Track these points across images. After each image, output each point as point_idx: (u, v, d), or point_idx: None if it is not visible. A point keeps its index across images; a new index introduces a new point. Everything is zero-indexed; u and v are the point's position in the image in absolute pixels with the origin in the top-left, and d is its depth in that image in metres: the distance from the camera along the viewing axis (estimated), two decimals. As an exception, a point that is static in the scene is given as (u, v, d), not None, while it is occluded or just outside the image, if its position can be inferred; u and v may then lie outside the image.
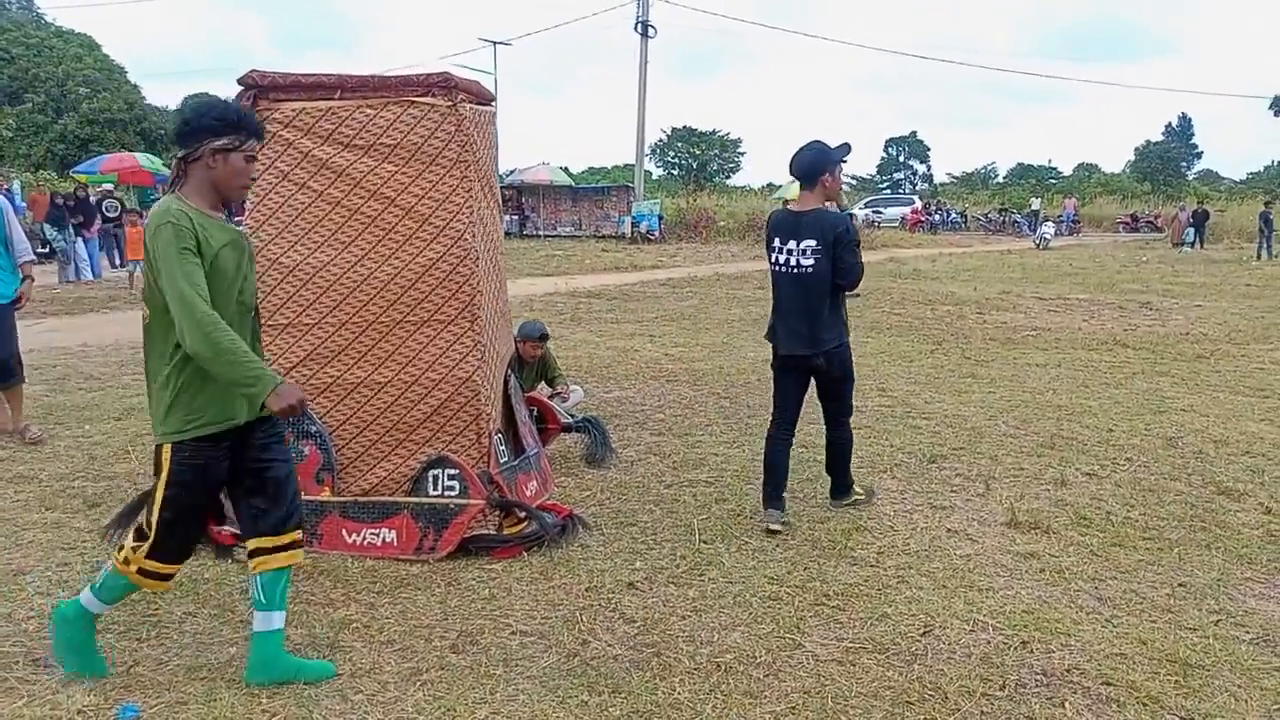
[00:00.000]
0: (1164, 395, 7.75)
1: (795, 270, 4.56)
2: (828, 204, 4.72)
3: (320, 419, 4.34)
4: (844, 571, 4.09)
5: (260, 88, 4.31)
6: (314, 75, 4.34)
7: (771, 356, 4.82)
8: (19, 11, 53.86)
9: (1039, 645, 3.43)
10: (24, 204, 18.29)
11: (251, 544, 3.08)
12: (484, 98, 4.82)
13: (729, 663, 3.31)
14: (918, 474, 5.49)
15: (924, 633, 3.53)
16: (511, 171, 34.60)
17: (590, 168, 70.59)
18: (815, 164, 4.57)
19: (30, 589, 3.82)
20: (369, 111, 4.30)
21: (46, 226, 16.19)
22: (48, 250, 16.68)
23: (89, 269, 16.49)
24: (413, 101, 4.29)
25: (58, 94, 44.95)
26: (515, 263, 21.39)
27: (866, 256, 5.09)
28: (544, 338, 6.11)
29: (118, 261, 17.88)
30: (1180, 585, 3.98)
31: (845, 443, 4.89)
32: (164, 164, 29.30)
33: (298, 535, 3.13)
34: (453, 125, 4.30)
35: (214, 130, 2.94)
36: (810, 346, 4.58)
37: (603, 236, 29.57)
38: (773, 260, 4.67)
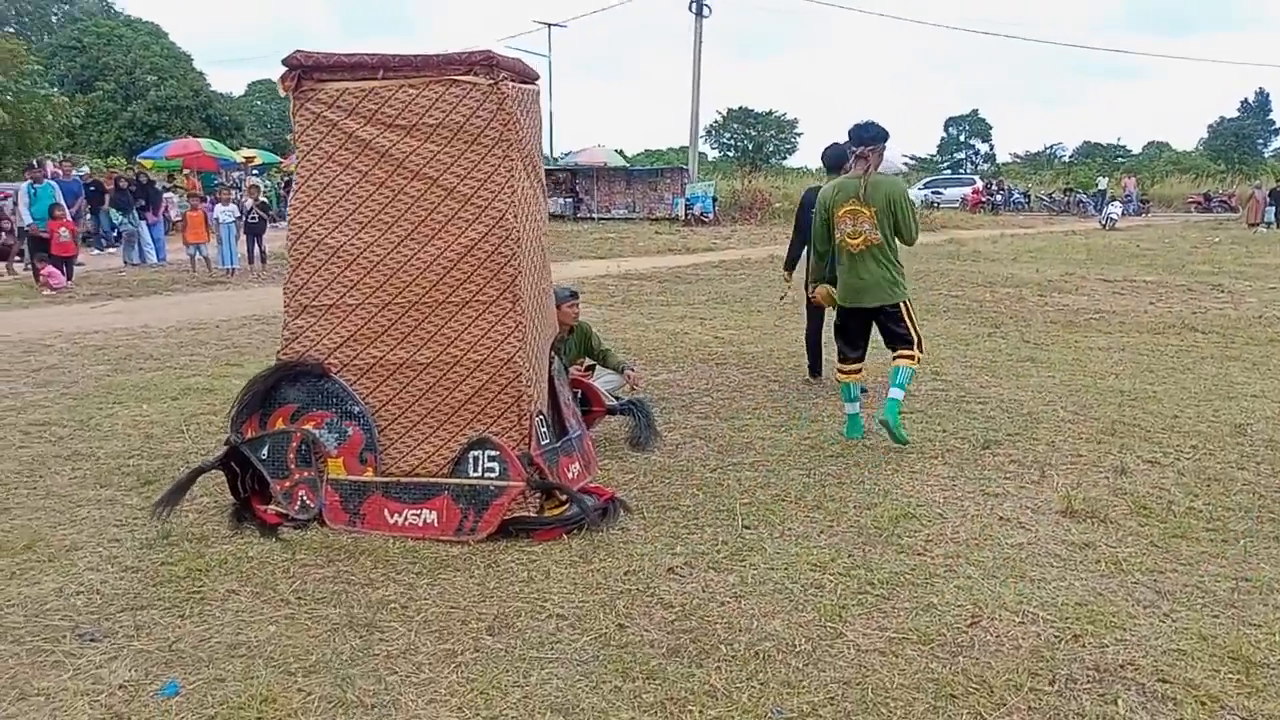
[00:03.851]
0: (1234, 381, 7.45)
1: None
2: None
3: (363, 400, 4.36)
4: (890, 559, 4.00)
5: (304, 68, 4.32)
6: (356, 55, 4.33)
7: None
8: (91, 2, 55.32)
9: (1092, 639, 3.31)
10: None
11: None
12: (527, 76, 4.78)
13: (768, 650, 3.24)
14: (970, 460, 5.35)
15: (971, 624, 3.43)
16: (567, 154, 34.66)
17: (647, 150, 70.43)
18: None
19: (81, 564, 3.90)
20: (411, 91, 4.28)
21: (111, 211, 16.58)
22: (115, 234, 17.12)
23: (154, 253, 16.87)
24: (455, 81, 4.26)
25: (127, 82, 46.11)
26: (568, 245, 21.45)
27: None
28: (574, 295, 6.03)
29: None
30: (1244, 580, 3.81)
31: None
32: (228, 149, 29.92)
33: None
34: (494, 104, 4.27)
35: None
36: None
37: (656, 219, 29.44)
38: None
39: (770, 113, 71.87)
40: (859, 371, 5.93)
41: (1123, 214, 32.03)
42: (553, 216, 31.10)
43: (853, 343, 5.89)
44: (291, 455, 4.35)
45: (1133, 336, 9.58)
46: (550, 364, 5.02)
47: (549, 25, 38.30)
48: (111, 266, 16.47)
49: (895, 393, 5.52)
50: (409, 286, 4.34)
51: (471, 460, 4.24)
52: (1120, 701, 2.93)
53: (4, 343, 9.06)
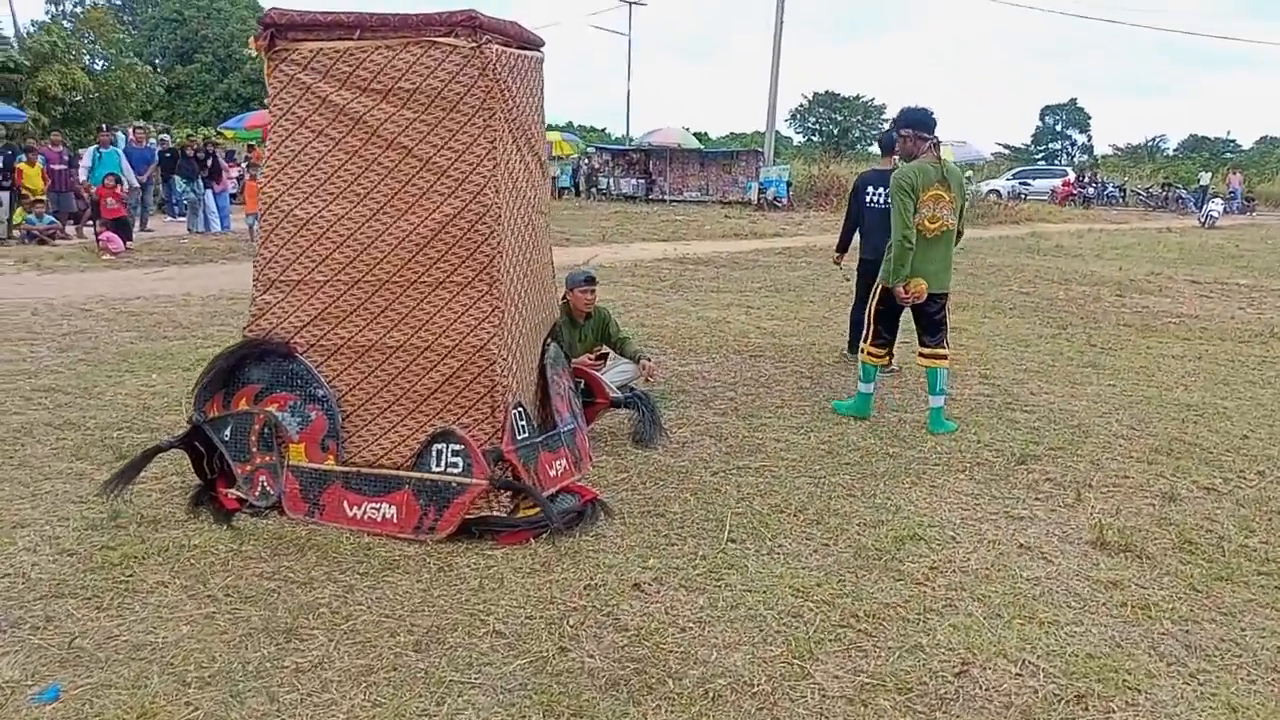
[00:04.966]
0: (1319, 399, 6.75)
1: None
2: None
3: (329, 383, 4.09)
4: (884, 588, 3.57)
5: (278, 26, 4.04)
6: (334, 14, 4.04)
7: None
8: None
9: (1097, 701, 2.85)
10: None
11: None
12: (526, 41, 4.43)
13: (719, 689, 2.87)
14: (1000, 476, 4.85)
15: (959, 673, 3.00)
16: (648, 134, 34.27)
17: (731, 133, 69.44)
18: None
19: (20, 544, 3.72)
20: (388, 53, 3.98)
21: (176, 179, 16.79)
22: (178, 205, 17.35)
23: (218, 221, 17.05)
24: (434, 42, 3.94)
25: (224, 54, 47.19)
26: (634, 227, 21.11)
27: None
28: (590, 281, 5.72)
29: None
30: (1295, 636, 3.29)
31: None
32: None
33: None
34: (476, 69, 3.93)
35: None
36: None
37: (728, 203, 28.87)
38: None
39: (857, 97, 70.09)
40: (890, 356, 6.03)
41: (1225, 212, 30.26)
42: (624, 198, 30.83)
43: (893, 327, 5.93)
44: (253, 438, 4.11)
45: (1213, 344, 8.83)
46: (544, 352, 4.70)
47: (630, 3, 37.84)
48: (178, 234, 16.71)
49: (939, 400, 5.67)
50: (380, 264, 4.05)
51: (435, 454, 3.93)
52: (1116, 784, 2.48)
53: (46, 306, 9.12)
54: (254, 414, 4.12)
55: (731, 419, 5.82)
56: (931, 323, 5.72)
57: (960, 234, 5.78)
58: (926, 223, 5.51)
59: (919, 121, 5.61)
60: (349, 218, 4.06)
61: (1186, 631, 3.30)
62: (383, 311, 4.06)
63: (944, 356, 5.67)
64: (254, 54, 4.04)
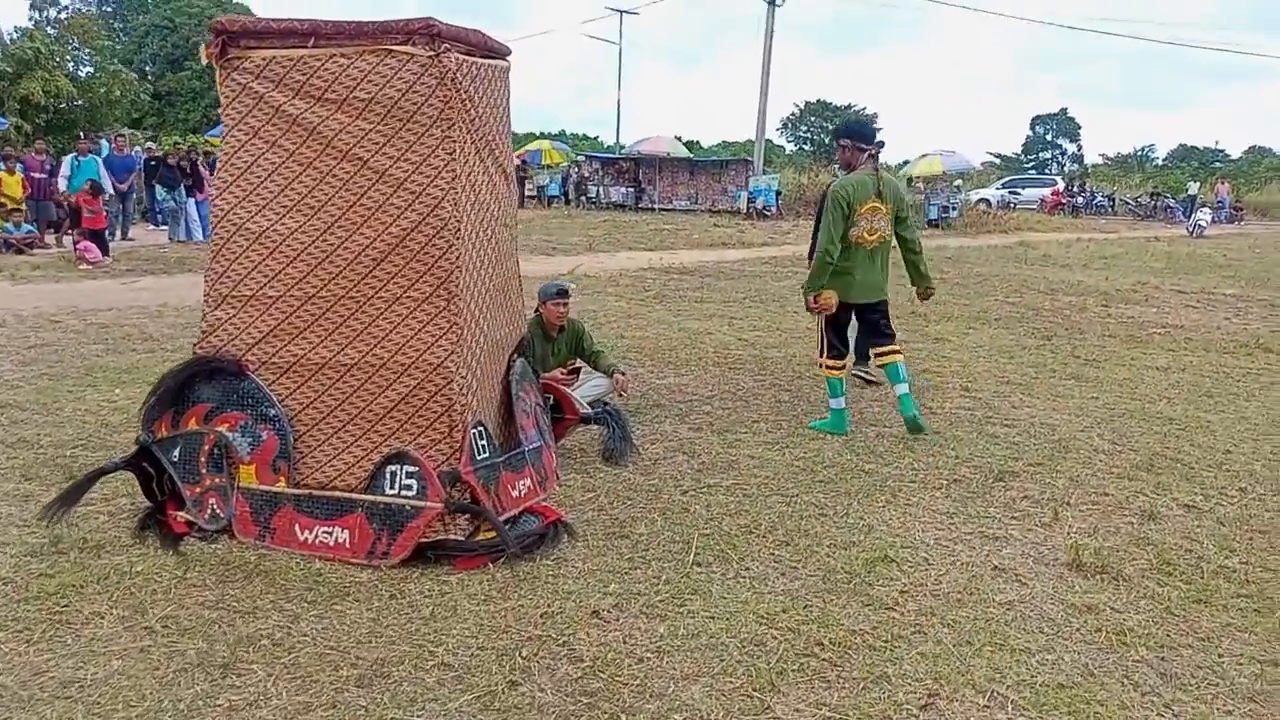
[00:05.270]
0: (1304, 411, 6.66)
1: None
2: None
3: (281, 402, 3.96)
4: (851, 614, 3.45)
5: (230, 33, 3.92)
6: (287, 20, 3.92)
7: None
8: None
9: (1067, 736, 2.74)
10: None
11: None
12: (490, 50, 4.33)
13: (674, 725, 2.75)
14: (977, 494, 4.74)
15: (924, 705, 2.88)
16: (637, 142, 34.21)
17: (724, 142, 69.38)
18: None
19: (-48, 571, 3.58)
20: (342, 61, 3.86)
21: (158, 187, 16.64)
22: (160, 213, 17.18)
23: (199, 230, 16.89)
24: (390, 50, 3.83)
25: (214, 62, 46.83)
26: (621, 236, 21.02)
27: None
28: (563, 293, 5.61)
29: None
30: (1274, 664, 3.18)
31: None
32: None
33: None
34: (434, 78, 3.82)
35: None
36: None
37: (717, 211, 28.84)
38: None
39: (849, 106, 70.19)
40: (845, 366, 6.02)
41: (1213, 221, 30.32)
42: (614, 206, 30.75)
43: (845, 338, 6.00)
44: (203, 459, 3.98)
45: (1198, 355, 8.75)
46: (509, 368, 4.58)
47: (621, 12, 37.82)
48: (159, 243, 16.55)
49: (904, 387, 5.69)
50: (335, 279, 3.92)
51: (388, 476, 3.80)
52: (1084, 828, 2.36)
53: (15, 318, 8.96)
54: (204, 434, 3.98)
55: (706, 434, 5.70)
56: (877, 329, 5.88)
57: (917, 243, 5.90)
58: (865, 235, 5.59)
59: (856, 132, 5.74)
60: (303, 231, 3.93)
61: (1162, 659, 3.19)
62: (337, 328, 3.94)
63: (898, 351, 5.80)
64: (205, 62, 3.91)
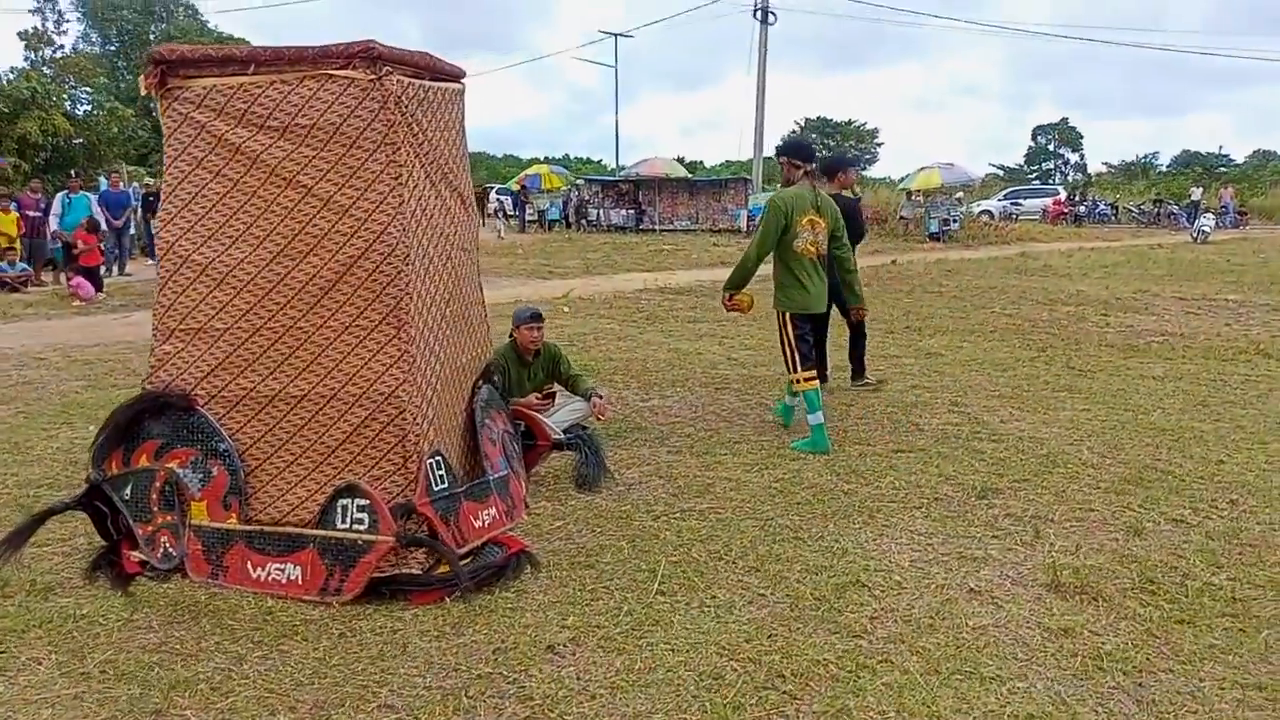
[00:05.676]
0: (1301, 418, 6.49)
1: None
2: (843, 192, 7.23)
3: (232, 436, 3.86)
4: (817, 642, 3.31)
5: (168, 63, 3.85)
6: (226, 48, 3.86)
7: None
8: (186, 20, 57.20)
9: (1033, 771, 2.59)
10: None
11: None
12: (440, 72, 4.25)
13: (620, 767, 2.62)
14: (958, 513, 4.60)
15: (885, 740, 2.74)
16: (636, 164, 34.26)
17: (726, 161, 69.51)
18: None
19: (-106, 619, 3.47)
20: (283, 88, 3.79)
21: (151, 221, 16.64)
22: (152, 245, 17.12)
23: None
24: (330, 75, 3.76)
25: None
26: (620, 258, 20.96)
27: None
28: (536, 317, 5.54)
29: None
30: (1258, 688, 3.03)
31: None
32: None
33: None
34: (376, 102, 3.74)
35: None
36: None
37: (718, 230, 28.80)
38: None
39: (849, 122, 70.37)
40: (816, 376, 6.05)
41: (1217, 226, 30.12)
42: (615, 229, 30.72)
43: (810, 348, 6.10)
44: (154, 497, 3.88)
45: (1196, 363, 8.58)
46: (474, 394, 4.48)
47: (615, 35, 37.97)
48: (154, 277, 16.53)
49: (817, 417, 5.75)
50: (283, 309, 3.83)
51: (339, 510, 3.69)
52: None
53: (0, 357, 8.91)
54: (155, 471, 3.89)
55: (684, 457, 5.58)
56: (817, 344, 6.29)
57: (851, 262, 6.21)
58: (808, 246, 5.87)
59: (794, 150, 6.12)
60: (250, 261, 3.85)
61: (1139, 684, 3.04)
62: (287, 359, 3.84)
63: (824, 378, 6.42)
64: (144, 93, 3.84)
